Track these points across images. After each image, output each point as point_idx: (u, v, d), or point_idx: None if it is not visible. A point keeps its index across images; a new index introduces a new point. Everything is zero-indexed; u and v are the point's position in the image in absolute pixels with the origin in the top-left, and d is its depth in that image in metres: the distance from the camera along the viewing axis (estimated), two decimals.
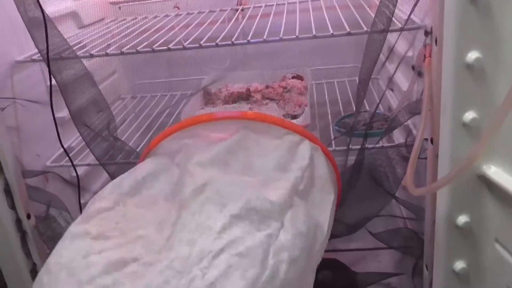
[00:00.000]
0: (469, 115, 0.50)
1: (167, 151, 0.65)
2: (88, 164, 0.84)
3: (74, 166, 0.78)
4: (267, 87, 0.93)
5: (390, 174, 0.81)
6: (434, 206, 0.66)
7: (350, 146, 0.79)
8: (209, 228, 0.49)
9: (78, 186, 0.85)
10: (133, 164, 0.78)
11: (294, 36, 0.76)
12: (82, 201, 0.99)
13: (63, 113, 0.94)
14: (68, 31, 0.92)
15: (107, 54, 0.78)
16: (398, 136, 0.96)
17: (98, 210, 0.55)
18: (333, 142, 0.83)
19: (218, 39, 0.77)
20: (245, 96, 0.89)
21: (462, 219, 0.55)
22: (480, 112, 0.49)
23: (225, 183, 0.54)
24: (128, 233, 0.52)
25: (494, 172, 0.51)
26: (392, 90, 1.04)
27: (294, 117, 0.83)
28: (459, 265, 0.58)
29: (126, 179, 0.60)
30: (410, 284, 0.94)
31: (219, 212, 0.50)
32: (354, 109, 0.86)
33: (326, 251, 0.62)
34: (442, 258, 0.58)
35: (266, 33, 0.79)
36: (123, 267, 0.48)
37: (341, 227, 0.80)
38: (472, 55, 0.48)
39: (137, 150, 0.82)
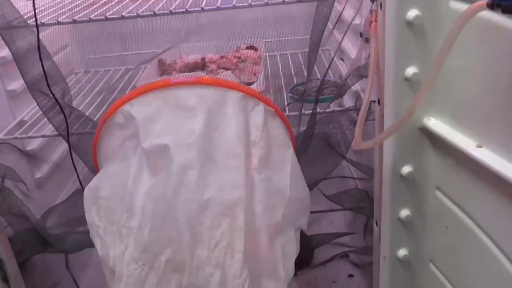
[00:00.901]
0: (411, 70, 0.54)
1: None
2: (43, 136, 0.83)
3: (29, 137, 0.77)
4: (222, 57, 0.95)
5: (340, 137, 0.85)
6: (382, 161, 0.71)
7: (303, 112, 0.83)
8: None
9: (32, 158, 0.85)
10: (91, 133, 0.79)
11: (246, 4, 0.78)
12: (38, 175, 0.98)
13: (14, 85, 0.93)
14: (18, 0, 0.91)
15: (58, 23, 0.78)
16: (348, 102, 1.00)
17: None
18: (286, 108, 0.86)
19: (172, 7, 0.78)
20: (201, 66, 0.90)
21: (406, 169, 0.60)
22: (421, 67, 0.53)
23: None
24: None
25: (434, 123, 0.55)
26: (342, 60, 1.08)
27: (249, 84, 0.86)
28: (404, 213, 0.62)
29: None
30: (362, 242, 1.00)
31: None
32: (306, 76, 0.89)
33: None
34: (389, 208, 0.63)
35: (219, 1, 0.80)
36: None
37: None
38: (412, 13, 0.51)
39: (94, 119, 0.82)
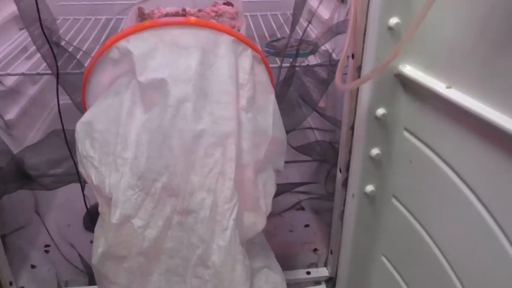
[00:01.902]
0: (394, 20, 0.61)
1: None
2: (23, 74, 0.83)
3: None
4: (199, 10, 0.98)
5: (311, 92, 0.92)
6: (353, 108, 0.78)
7: (281, 65, 0.89)
8: None
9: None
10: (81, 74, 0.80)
11: None
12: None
13: None
14: None
15: None
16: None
17: None
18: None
19: None
20: (181, 16, 0.93)
21: (380, 111, 0.67)
22: (403, 18, 0.61)
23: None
24: None
25: (408, 70, 0.63)
26: (310, 22, 1.14)
27: None
28: (375, 151, 0.71)
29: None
30: (322, 190, 1.08)
31: None
32: (288, 31, 0.95)
33: None
34: (361, 146, 0.71)
35: None
36: None
37: None
38: None
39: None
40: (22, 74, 0.80)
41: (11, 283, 0.89)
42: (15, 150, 0.89)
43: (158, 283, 0.67)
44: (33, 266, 1.01)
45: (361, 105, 0.69)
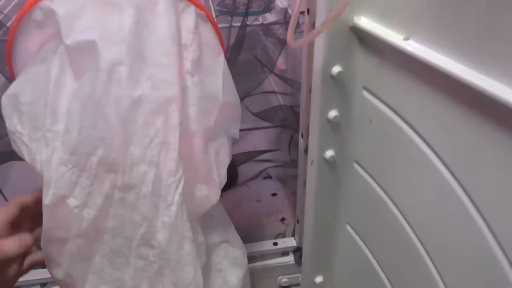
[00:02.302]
0: None
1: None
2: None
3: None
4: None
5: (267, 53, 0.86)
6: (311, 68, 0.72)
7: (232, 24, 0.82)
8: None
9: None
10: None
11: None
12: None
13: None
14: None
15: None
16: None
17: None
18: (215, 20, 0.84)
19: None
20: None
21: (336, 69, 0.62)
22: None
23: None
24: None
25: (364, 22, 0.57)
26: None
27: None
28: (332, 113, 0.65)
29: None
30: (286, 157, 1.03)
31: None
32: None
33: None
34: (318, 108, 0.65)
35: None
36: None
37: None
38: None
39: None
40: None
41: None
42: None
43: (101, 265, 0.61)
44: None
45: (315, 63, 0.63)
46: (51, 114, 0.58)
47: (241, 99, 0.86)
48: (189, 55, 0.62)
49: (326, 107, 0.65)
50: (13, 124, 0.60)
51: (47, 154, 0.58)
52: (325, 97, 0.64)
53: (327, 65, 0.61)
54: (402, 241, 0.60)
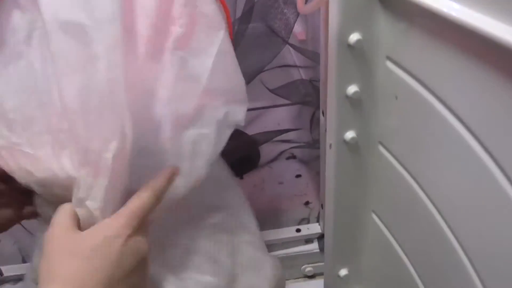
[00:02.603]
0: None
1: None
2: None
3: None
4: None
5: (282, 21, 0.77)
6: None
7: None
8: None
9: None
10: None
11: None
12: None
13: None
14: None
15: None
16: None
17: None
18: None
19: None
20: None
21: (353, 37, 0.53)
22: None
23: None
24: None
25: None
26: None
27: None
28: (352, 89, 0.56)
29: None
30: (308, 136, 0.95)
31: None
32: None
33: None
34: (335, 84, 0.57)
35: None
36: None
37: None
38: None
39: None
40: None
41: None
42: None
43: None
44: None
45: (330, 31, 0.54)
46: (53, 113, 0.51)
47: (255, 75, 0.78)
48: (175, 30, 0.54)
49: (344, 81, 0.56)
50: (2, 135, 0.53)
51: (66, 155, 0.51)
52: (342, 70, 0.55)
53: (344, 33, 0.53)
54: (432, 232, 0.51)
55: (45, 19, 0.47)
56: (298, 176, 1.07)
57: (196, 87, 0.52)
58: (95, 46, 0.48)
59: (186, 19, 0.53)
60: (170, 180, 0.48)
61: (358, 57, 0.54)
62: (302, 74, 0.97)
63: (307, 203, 1.00)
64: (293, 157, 1.11)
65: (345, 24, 0.52)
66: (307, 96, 0.84)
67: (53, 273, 0.40)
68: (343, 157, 0.62)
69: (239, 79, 0.57)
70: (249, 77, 0.76)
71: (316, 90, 0.80)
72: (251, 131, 0.94)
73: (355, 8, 0.51)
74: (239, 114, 0.58)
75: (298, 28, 0.86)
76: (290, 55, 1.11)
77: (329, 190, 0.68)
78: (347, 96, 0.57)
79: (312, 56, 0.79)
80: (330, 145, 0.62)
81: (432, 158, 0.50)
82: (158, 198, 0.46)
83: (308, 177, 1.06)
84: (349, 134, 0.60)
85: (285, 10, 0.73)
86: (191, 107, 0.51)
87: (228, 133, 0.57)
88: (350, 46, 0.53)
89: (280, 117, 1.04)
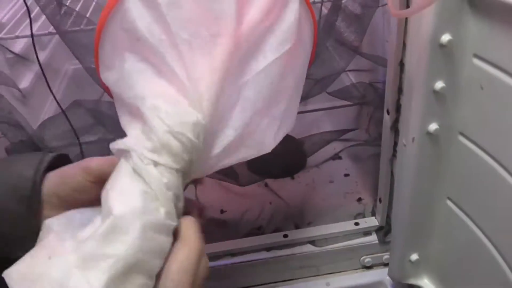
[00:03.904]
0: None
1: None
2: (33, 35, 0.75)
3: None
4: None
5: (353, 28, 0.83)
6: (401, 41, 0.70)
7: None
8: None
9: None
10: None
11: None
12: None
13: None
14: None
15: None
16: None
17: None
18: None
19: None
20: None
21: (445, 37, 0.59)
22: None
23: None
24: None
25: None
26: None
27: None
28: (439, 84, 0.63)
29: None
30: (364, 136, 1.01)
31: None
32: None
33: None
34: (424, 81, 0.63)
35: None
36: None
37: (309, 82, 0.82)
38: None
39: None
40: (32, 35, 0.71)
41: None
42: (32, 121, 0.83)
43: None
44: None
45: (423, 32, 0.60)
46: None
47: (331, 81, 0.84)
48: None
49: (433, 77, 0.62)
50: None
51: None
52: (432, 68, 0.61)
53: (436, 34, 0.59)
54: None
55: None
56: (347, 175, 1.13)
57: None
58: None
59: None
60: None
61: (448, 56, 0.60)
62: (352, 79, 1.04)
63: (359, 199, 1.06)
64: (339, 157, 1.18)
65: (438, 26, 0.58)
66: (365, 97, 0.90)
67: None
68: (425, 149, 0.68)
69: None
70: (327, 82, 0.82)
71: (377, 91, 0.86)
72: (307, 133, 1.00)
73: (447, 10, 0.58)
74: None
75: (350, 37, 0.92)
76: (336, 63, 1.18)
77: (406, 181, 0.74)
78: (434, 91, 0.63)
79: (376, 59, 0.85)
80: (413, 139, 0.68)
81: None
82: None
83: (357, 176, 1.12)
84: (433, 126, 0.66)
85: (350, 22, 0.79)
86: None
87: None
88: (441, 46, 0.59)
89: (336, 119, 1.10)
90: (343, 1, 0.82)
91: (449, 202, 0.72)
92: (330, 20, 0.78)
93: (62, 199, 0.49)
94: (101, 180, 0.48)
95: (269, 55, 0.54)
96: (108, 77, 0.54)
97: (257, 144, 0.56)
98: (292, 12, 0.56)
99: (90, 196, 0.49)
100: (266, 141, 0.57)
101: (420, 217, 0.76)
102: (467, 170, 0.67)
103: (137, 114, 0.50)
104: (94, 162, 0.50)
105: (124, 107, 0.53)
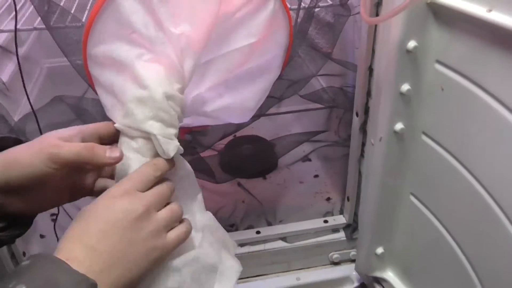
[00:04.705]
0: None
1: None
2: (17, 30, 0.76)
3: None
4: None
5: (323, 37, 0.88)
6: (370, 47, 0.76)
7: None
8: None
9: None
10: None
11: None
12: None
13: None
14: None
15: None
16: None
17: None
18: None
19: None
20: None
21: (411, 44, 0.65)
22: None
23: None
24: None
25: None
26: None
27: None
28: (405, 87, 0.68)
29: None
30: (333, 137, 1.06)
31: None
32: None
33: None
34: (392, 83, 0.68)
35: None
36: None
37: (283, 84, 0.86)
38: None
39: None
40: (16, 30, 0.73)
41: (24, 254, 0.86)
42: (13, 113, 0.84)
43: None
44: (42, 236, 1.00)
45: (392, 39, 0.66)
46: None
47: (303, 85, 0.89)
48: None
49: (400, 81, 0.68)
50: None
51: None
52: (399, 72, 0.67)
53: (404, 41, 0.64)
54: (478, 208, 0.62)
55: None
56: (316, 176, 1.18)
57: None
58: None
59: None
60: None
61: (413, 61, 0.66)
62: (322, 83, 1.09)
63: (328, 199, 1.11)
64: (309, 160, 1.23)
65: (406, 33, 0.64)
66: (335, 101, 0.95)
67: None
68: (392, 148, 0.74)
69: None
70: (300, 85, 0.87)
71: (347, 94, 0.92)
72: (279, 135, 1.04)
73: (413, 19, 0.63)
74: None
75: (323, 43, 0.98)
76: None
77: (372, 178, 0.79)
78: (400, 93, 0.69)
79: (346, 65, 0.90)
80: (380, 138, 0.74)
81: (476, 140, 0.61)
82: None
83: (326, 177, 1.17)
84: (399, 126, 0.72)
85: (330, 27, 0.85)
86: None
87: None
88: (408, 51, 0.65)
89: (307, 122, 1.15)
90: (316, 10, 0.87)
91: (412, 198, 0.78)
92: (303, 27, 0.83)
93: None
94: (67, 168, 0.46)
95: (232, 43, 0.60)
96: (97, 52, 0.55)
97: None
98: (266, 11, 0.61)
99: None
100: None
101: (385, 212, 0.82)
102: (429, 167, 0.72)
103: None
104: (66, 150, 0.47)
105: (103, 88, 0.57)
